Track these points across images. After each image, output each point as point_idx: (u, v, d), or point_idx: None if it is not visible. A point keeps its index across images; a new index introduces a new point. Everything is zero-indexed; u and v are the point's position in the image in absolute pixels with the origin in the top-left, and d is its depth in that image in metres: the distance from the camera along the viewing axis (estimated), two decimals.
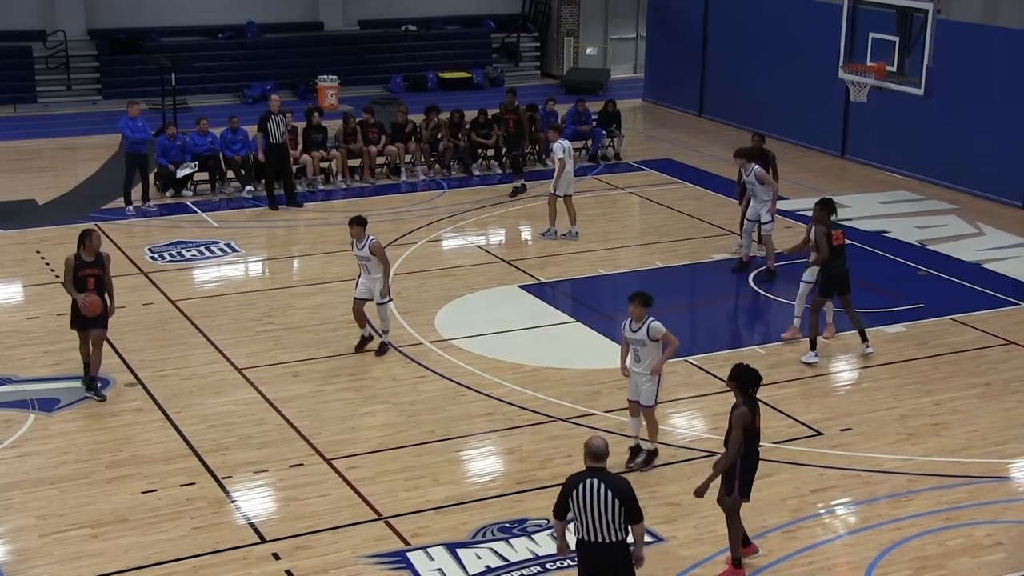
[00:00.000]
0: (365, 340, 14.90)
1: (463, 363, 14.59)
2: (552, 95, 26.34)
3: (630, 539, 8.70)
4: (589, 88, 31.09)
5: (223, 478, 11.87)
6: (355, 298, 14.73)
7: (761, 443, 10.19)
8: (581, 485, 8.55)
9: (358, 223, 14.53)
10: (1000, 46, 21.58)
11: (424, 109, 23.68)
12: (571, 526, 8.88)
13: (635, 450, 12.15)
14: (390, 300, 14.87)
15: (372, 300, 14.66)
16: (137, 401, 13.55)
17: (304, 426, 12.96)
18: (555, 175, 18.87)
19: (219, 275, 17.65)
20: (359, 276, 14.74)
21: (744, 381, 9.92)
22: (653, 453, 12.14)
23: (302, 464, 12.18)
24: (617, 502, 8.49)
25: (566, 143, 19.08)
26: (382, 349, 14.84)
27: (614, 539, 8.57)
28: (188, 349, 14.98)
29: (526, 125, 23.34)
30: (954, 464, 12.34)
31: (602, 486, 8.50)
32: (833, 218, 14.82)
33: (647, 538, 10.86)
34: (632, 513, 8.57)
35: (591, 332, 15.68)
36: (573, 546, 8.96)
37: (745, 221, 17.87)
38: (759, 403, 10.15)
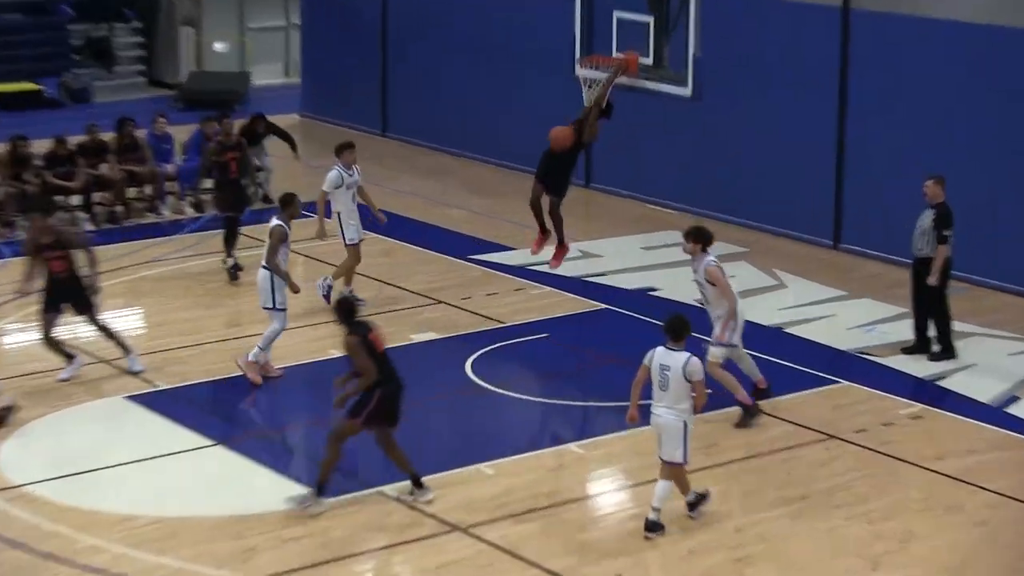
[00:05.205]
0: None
1: (45, 519, 14.13)
2: (164, 111, 26.01)
3: None
4: (221, 100, 30.96)
5: None
6: None
7: None
8: None
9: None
10: (781, 20, 22.45)
11: None
12: None
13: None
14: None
15: None
16: None
17: None
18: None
19: None
20: None
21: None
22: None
23: None
24: None
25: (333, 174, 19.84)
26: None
27: None
28: None
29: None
30: None
31: None
32: None
33: None
34: None
35: (238, 458, 15.55)
36: None
37: None
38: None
